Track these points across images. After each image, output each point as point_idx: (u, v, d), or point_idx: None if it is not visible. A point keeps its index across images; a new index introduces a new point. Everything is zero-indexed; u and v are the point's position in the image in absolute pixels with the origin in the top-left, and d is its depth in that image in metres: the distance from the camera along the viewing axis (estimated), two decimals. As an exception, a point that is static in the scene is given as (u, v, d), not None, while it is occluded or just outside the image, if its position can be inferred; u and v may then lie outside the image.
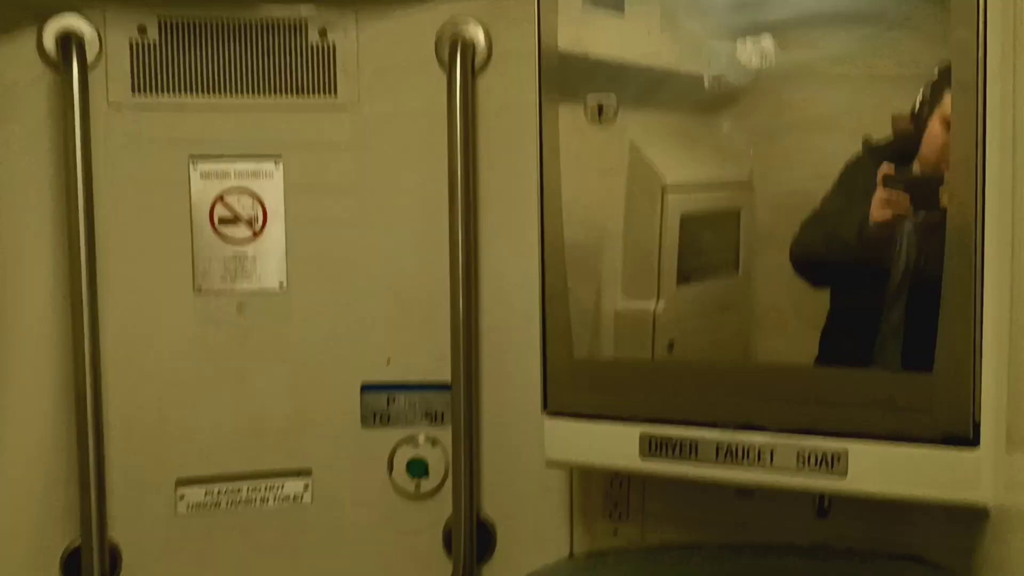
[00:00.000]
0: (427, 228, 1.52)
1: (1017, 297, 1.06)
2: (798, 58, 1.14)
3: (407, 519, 1.58)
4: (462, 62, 1.46)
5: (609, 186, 1.27)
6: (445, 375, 1.53)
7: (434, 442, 1.57)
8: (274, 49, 1.49)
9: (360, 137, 1.53)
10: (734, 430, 1.19)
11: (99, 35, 1.43)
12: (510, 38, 1.48)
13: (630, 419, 1.26)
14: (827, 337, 1.16)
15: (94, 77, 1.42)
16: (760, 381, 1.19)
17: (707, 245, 1.26)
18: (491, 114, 1.51)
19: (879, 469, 1.11)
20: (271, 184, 1.50)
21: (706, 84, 1.18)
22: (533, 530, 1.54)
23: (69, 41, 1.40)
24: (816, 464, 1.14)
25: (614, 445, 1.27)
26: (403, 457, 1.57)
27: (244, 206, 1.50)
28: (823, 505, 1.25)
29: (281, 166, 1.50)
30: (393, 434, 1.57)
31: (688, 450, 1.22)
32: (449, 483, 1.56)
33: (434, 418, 1.57)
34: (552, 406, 1.32)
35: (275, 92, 1.50)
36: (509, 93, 1.47)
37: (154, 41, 1.45)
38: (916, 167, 1.08)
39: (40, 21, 1.41)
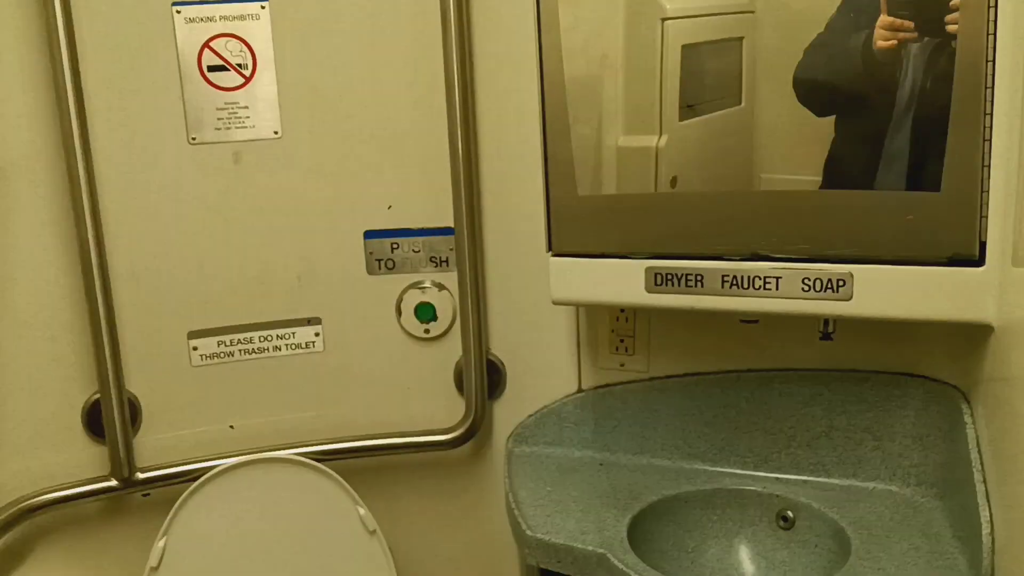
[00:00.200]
0: (422, 68, 1.48)
1: (1029, 113, 1.04)
2: None
3: (418, 362, 1.62)
4: None
5: (608, 17, 1.24)
6: (448, 219, 1.53)
7: (440, 286, 1.59)
8: None
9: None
10: (739, 260, 1.20)
11: None
12: None
13: (635, 254, 1.27)
14: (832, 163, 1.15)
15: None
16: (764, 210, 1.19)
17: (709, 76, 1.23)
18: (484, -57, 1.44)
19: (884, 291, 1.12)
20: (259, 27, 1.45)
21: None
22: (541, 367, 1.57)
23: None
24: (821, 289, 1.15)
25: (620, 281, 1.29)
26: (411, 302, 1.59)
27: (232, 52, 1.45)
28: (828, 329, 1.27)
29: (268, 8, 1.44)
30: (399, 280, 1.58)
31: (694, 281, 1.23)
32: (458, 326, 1.58)
33: (439, 262, 1.58)
34: (557, 245, 1.33)
35: (255, -72, 1.43)
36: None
37: None
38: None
39: None
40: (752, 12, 1.16)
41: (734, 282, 1.20)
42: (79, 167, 1.38)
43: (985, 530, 1.07)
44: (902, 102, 1.08)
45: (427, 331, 1.60)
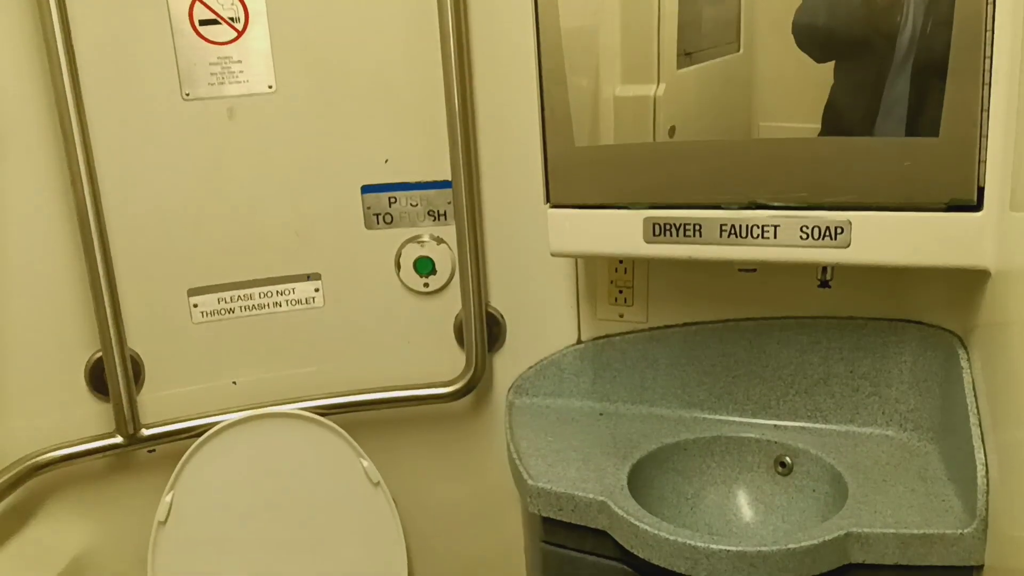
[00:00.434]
0: (417, 19, 1.46)
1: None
2: None
3: (418, 316, 1.62)
4: None
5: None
6: (445, 173, 1.52)
7: (439, 240, 1.59)
8: None
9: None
10: (738, 208, 1.20)
11: None
12: None
13: (633, 205, 1.27)
14: (830, 110, 1.15)
15: None
16: (763, 158, 1.18)
17: (707, 22, 1.22)
18: None
19: (882, 238, 1.12)
20: (249, -21, 1.43)
21: None
22: (540, 319, 1.58)
23: None
24: (820, 236, 1.15)
25: (618, 231, 1.29)
26: (409, 256, 1.59)
27: (224, 4, 1.43)
28: (826, 277, 1.27)
29: (258, -41, 1.43)
30: (397, 234, 1.58)
31: (692, 231, 1.23)
32: (457, 279, 1.58)
33: (437, 216, 1.57)
34: (554, 197, 1.33)
35: None
36: None
37: None
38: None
39: None
40: (751, -44, 1.14)
41: (732, 231, 1.20)
42: (72, 125, 1.37)
43: (980, 473, 1.08)
44: (902, 47, 1.07)
45: (426, 285, 1.60)
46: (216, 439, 1.52)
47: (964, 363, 1.20)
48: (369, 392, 1.60)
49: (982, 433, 1.11)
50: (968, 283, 1.18)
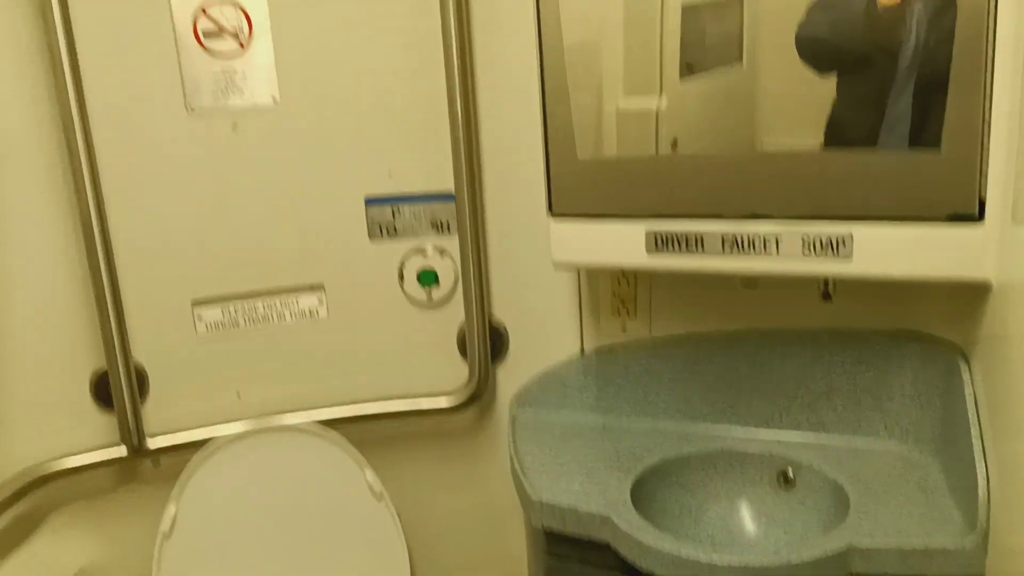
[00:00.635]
0: (421, 32, 1.47)
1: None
2: None
3: (422, 326, 1.63)
4: None
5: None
6: (448, 184, 1.53)
7: (442, 252, 1.59)
8: None
9: (343, -62, 1.46)
10: (740, 221, 1.20)
11: None
12: None
13: (636, 217, 1.27)
14: (833, 123, 1.15)
15: None
16: (765, 171, 1.18)
17: (710, 36, 1.22)
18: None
19: (884, 251, 1.13)
20: (254, -7, 1.44)
21: None
22: (544, 331, 1.58)
23: None
24: (822, 249, 1.15)
25: (620, 243, 1.29)
26: (413, 268, 1.59)
27: (228, 17, 1.44)
28: (828, 289, 1.27)
29: (262, -28, 1.44)
30: (401, 246, 1.59)
31: (694, 243, 1.24)
32: (460, 290, 1.59)
33: (440, 228, 1.58)
34: (557, 208, 1.33)
35: None
36: None
37: None
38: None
39: None
40: (753, -29, 1.15)
41: (734, 243, 1.21)
42: (77, 137, 1.38)
43: (981, 485, 1.08)
44: (905, 60, 1.07)
45: (430, 296, 1.61)
46: (220, 451, 1.52)
47: (965, 376, 1.20)
48: (372, 403, 1.60)
49: (983, 445, 1.11)
50: (970, 296, 1.18)
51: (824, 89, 1.14)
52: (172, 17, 1.42)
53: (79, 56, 1.37)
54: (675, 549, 1.12)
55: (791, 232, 1.17)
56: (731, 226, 1.20)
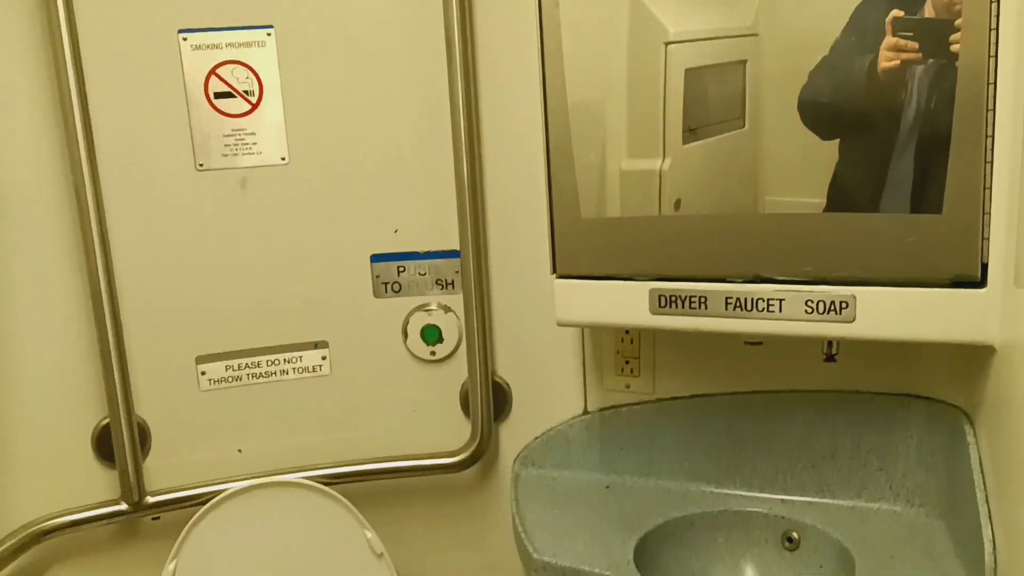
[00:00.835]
0: (428, 93, 1.49)
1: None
2: None
3: (424, 384, 1.63)
4: (455, -85, 1.41)
5: (611, 43, 1.24)
6: (454, 243, 1.54)
7: (446, 309, 1.60)
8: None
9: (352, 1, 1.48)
10: (743, 282, 1.20)
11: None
12: None
13: (639, 276, 1.28)
14: (835, 186, 1.16)
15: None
16: (768, 232, 1.19)
17: (713, 99, 1.23)
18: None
19: (887, 313, 1.13)
20: (265, 54, 1.47)
21: (709, -74, 1.14)
22: (547, 389, 1.58)
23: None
24: (824, 311, 1.16)
25: (624, 302, 1.29)
26: (417, 324, 1.60)
27: (239, 78, 1.47)
28: (831, 351, 1.27)
29: (274, 35, 1.46)
30: (405, 303, 1.59)
31: (698, 303, 1.24)
32: (463, 347, 1.59)
33: (445, 285, 1.59)
34: (561, 267, 1.34)
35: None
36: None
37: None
38: (927, 11, 1.05)
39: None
40: (755, 35, 1.16)
41: (738, 304, 1.21)
42: (87, 193, 1.40)
43: (988, 549, 1.07)
44: (906, 124, 1.08)
45: (433, 353, 1.61)
46: (220, 507, 1.51)
47: (970, 439, 1.19)
48: (374, 462, 1.60)
49: (989, 509, 1.10)
50: (974, 359, 1.18)
51: (826, 151, 1.15)
52: (184, 76, 1.45)
53: (91, 112, 1.39)
54: (679, 613, 1.10)
55: (794, 293, 1.17)
56: (734, 287, 1.21)
